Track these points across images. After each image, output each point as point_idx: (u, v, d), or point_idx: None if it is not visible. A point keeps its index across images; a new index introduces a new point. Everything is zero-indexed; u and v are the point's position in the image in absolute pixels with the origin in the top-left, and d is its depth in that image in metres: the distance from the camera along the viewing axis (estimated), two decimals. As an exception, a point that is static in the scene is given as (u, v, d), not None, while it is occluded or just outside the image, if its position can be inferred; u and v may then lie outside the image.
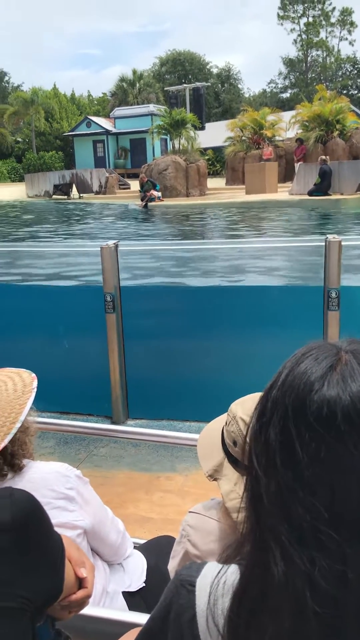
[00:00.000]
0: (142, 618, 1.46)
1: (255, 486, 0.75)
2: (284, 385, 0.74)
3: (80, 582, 1.17)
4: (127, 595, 1.80)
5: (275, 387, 0.75)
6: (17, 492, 1.00)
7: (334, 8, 59.96)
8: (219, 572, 0.81)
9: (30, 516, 0.98)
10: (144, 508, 3.41)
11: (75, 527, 1.63)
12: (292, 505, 0.70)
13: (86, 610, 1.39)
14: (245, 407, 1.43)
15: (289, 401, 0.72)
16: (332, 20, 60.40)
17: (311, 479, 0.69)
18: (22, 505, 0.97)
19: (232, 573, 0.80)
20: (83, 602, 1.18)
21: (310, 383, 0.71)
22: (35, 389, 1.59)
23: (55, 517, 1.55)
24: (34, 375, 1.66)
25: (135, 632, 1.37)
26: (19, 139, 51.25)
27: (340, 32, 61.26)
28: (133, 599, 1.79)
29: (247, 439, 0.79)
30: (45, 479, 1.61)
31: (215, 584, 0.80)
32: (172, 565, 1.59)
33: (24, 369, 1.71)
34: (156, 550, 2.00)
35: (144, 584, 1.85)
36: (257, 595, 0.74)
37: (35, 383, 1.62)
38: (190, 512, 1.56)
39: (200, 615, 0.79)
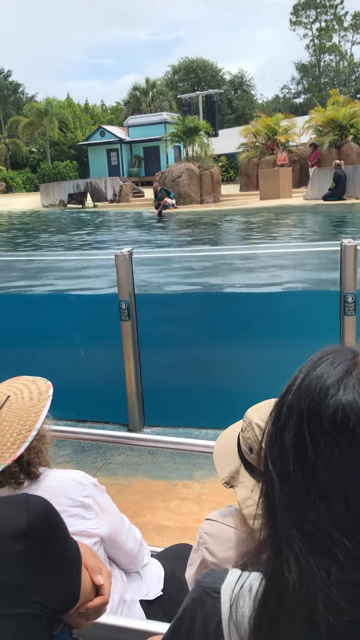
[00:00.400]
0: (159, 626, 1.45)
1: (270, 491, 0.75)
2: (299, 389, 0.73)
3: (97, 590, 1.17)
4: (145, 603, 1.79)
5: (291, 392, 0.75)
6: (33, 498, 0.99)
7: (346, 12, 60.00)
8: (239, 578, 0.80)
9: (46, 522, 0.97)
10: (161, 516, 3.39)
11: (92, 535, 1.63)
12: (306, 510, 0.70)
13: (104, 619, 1.38)
14: (260, 413, 1.43)
15: (304, 405, 0.71)
16: (345, 24, 60.41)
17: (325, 483, 0.69)
18: (38, 511, 0.96)
19: (255, 579, 0.79)
20: (100, 609, 1.17)
21: (326, 387, 0.71)
22: (51, 397, 1.60)
23: (72, 525, 1.54)
24: (49, 383, 1.67)
25: None
26: (34, 149, 51.79)
27: (353, 36, 61.36)
28: (150, 608, 1.78)
29: (263, 444, 0.78)
30: (62, 487, 1.61)
31: (238, 590, 0.79)
32: (190, 573, 1.58)
33: (40, 377, 1.72)
34: (173, 559, 1.99)
35: (161, 592, 1.84)
36: (275, 602, 0.73)
37: (50, 391, 1.62)
38: (207, 519, 1.55)
39: (225, 623, 0.78)
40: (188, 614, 0.83)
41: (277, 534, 0.73)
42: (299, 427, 0.71)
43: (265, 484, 0.76)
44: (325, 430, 0.69)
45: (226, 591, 0.80)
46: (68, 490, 1.61)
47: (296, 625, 0.70)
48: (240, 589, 0.79)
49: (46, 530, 0.97)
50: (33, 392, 1.62)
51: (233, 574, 0.83)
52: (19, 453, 1.47)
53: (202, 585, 0.83)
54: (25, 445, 1.48)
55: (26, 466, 1.57)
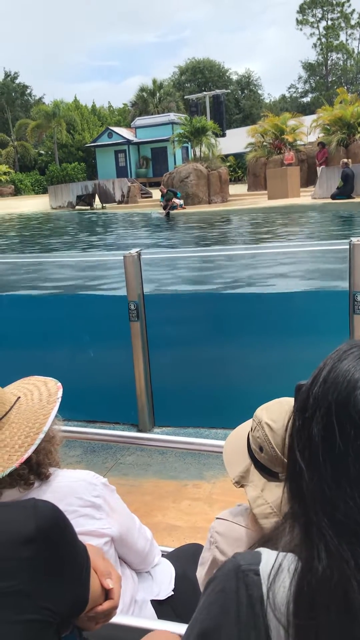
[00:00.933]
0: (170, 626, 1.45)
1: (298, 481, 0.76)
2: (326, 382, 0.75)
3: (107, 593, 1.16)
4: (156, 603, 1.79)
5: (317, 384, 0.76)
6: (41, 503, 0.99)
7: (353, 10, 59.69)
8: (275, 560, 0.80)
9: (54, 527, 0.97)
10: (171, 516, 3.40)
11: (102, 535, 1.63)
12: (336, 500, 0.71)
13: (115, 619, 1.39)
14: (270, 412, 1.43)
15: (332, 398, 0.73)
16: (352, 22, 60.12)
17: (357, 474, 0.70)
18: (46, 516, 0.96)
19: (290, 562, 0.78)
20: (110, 613, 1.16)
21: (355, 380, 0.72)
22: (60, 399, 1.59)
23: (82, 525, 1.55)
24: (59, 384, 1.66)
25: (156, 636, 1.36)
26: (42, 152, 51.99)
27: (360, 34, 61.03)
28: (162, 608, 1.78)
29: (287, 435, 0.79)
30: (72, 487, 1.61)
31: (275, 573, 0.79)
32: (201, 573, 1.58)
33: (51, 378, 1.72)
34: (184, 558, 1.99)
35: (172, 592, 1.84)
36: (309, 588, 0.73)
37: (60, 392, 1.62)
38: (217, 518, 1.55)
39: (267, 603, 0.78)
40: (230, 600, 0.80)
41: (307, 522, 0.74)
42: (327, 419, 0.72)
43: (293, 473, 0.77)
44: (354, 423, 0.70)
45: (265, 572, 0.80)
46: (78, 490, 1.61)
47: (331, 611, 0.71)
48: (277, 572, 0.78)
49: (54, 535, 0.96)
50: (43, 393, 1.62)
51: (268, 554, 0.83)
52: (26, 456, 1.46)
53: (240, 569, 0.81)
54: (33, 447, 1.47)
55: (36, 467, 1.56)
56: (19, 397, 1.61)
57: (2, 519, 0.94)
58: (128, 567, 1.80)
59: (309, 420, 0.75)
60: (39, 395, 1.61)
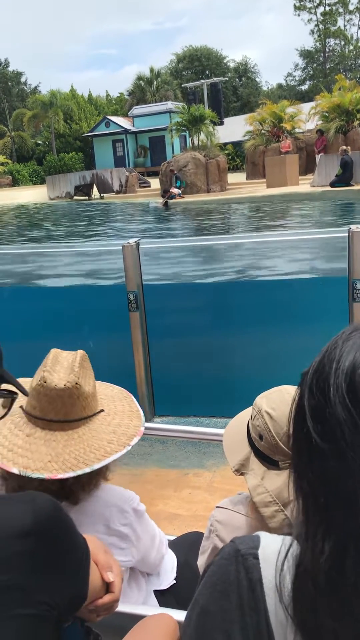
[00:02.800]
0: (172, 614, 1.46)
1: (320, 465, 0.72)
2: (337, 362, 0.71)
3: (108, 587, 1.15)
4: (158, 593, 1.80)
5: (326, 364, 0.73)
6: (39, 496, 0.98)
7: (351, -5, 59.14)
8: (282, 546, 0.79)
9: (52, 521, 0.95)
10: (172, 505, 3.41)
11: (122, 566, 1.57)
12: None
13: (119, 608, 1.40)
14: (270, 400, 1.42)
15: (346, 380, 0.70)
16: (351, 7, 59.57)
17: None
18: (44, 510, 0.95)
19: (294, 546, 0.78)
20: (110, 606, 1.15)
21: None
22: (130, 447, 1.48)
23: None
24: (141, 430, 1.54)
25: (149, 624, 1.36)
26: (39, 142, 51.72)
27: (359, 20, 60.53)
28: (164, 597, 1.79)
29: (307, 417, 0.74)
30: (101, 514, 1.51)
31: (277, 556, 0.78)
32: (202, 561, 1.59)
33: (139, 412, 1.60)
34: (186, 547, 1.99)
35: (174, 581, 1.85)
36: (311, 576, 0.73)
37: (135, 440, 1.50)
38: (217, 507, 1.55)
39: (268, 588, 0.78)
40: (230, 585, 0.80)
41: (328, 512, 0.71)
42: (342, 401, 0.69)
43: (311, 458, 0.73)
44: None
45: (264, 556, 0.80)
46: (108, 518, 1.52)
47: (330, 595, 0.71)
48: (286, 554, 0.78)
49: (52, 529, 0.95)
50: (121, 424, 1.51)
51: (268, 538, 0.83)
52: (59, 475, 1.35)
53: (239, 552, 0.82)
54: (69, 474, 1.36)
55: (68, 491, 1.46)
56: (102, 410, 1.53)
57: None
58: (139, 572, 1.78)
59: (324, 403, 0.71)
60: (117, 424, 1.51)
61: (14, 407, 1.34)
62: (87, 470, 1.37)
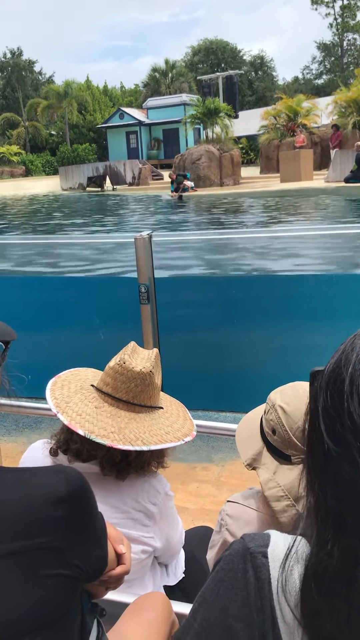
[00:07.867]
0: (180, 607, 1.46)
1: (345, 461, 0.70)
2: (355, 362, 0.70)
3: (118, 559, 1.23)
4: (167, 587, 1.79)
5: (345, 361, 0.71)
6: (69, 469, 1.05)
7: (371, -11, 58.45)
8: (292, 545, 0.78)
9: (82, 491, 1.03)
10: (180, 498, 3.41)
11: (144, 543, 1.60)
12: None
13: (127, 599, 1.43)
14: (284, 395, 1.42)
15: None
16: (370, 1, 58.87)
17: None
18: (75, 480, 1.02)
19: (302, 546, 0.77)
20: (121, 578, 1.24)
21: None
22: (179, 444, 1.60)
23: (128, 528, 1.55)
24: (194, 434, 1.68)
25: (145, 602, 1.40)
26: (53, 132, 51.76)
27: (379, 14, 59.70)
28: (172, 591, 1.78)
29: (320, 416, 0.73)
30: (135, 487, 1.59)
31: (286, 557, 0.78)
32: (211, 556, 1.58)
33: (192, 423, 1.74)
34: (194, 541, 1.98)
35: (183, 575, 1.85)
36: (320, 579, 0.72)
37: (188, 439, 1.63)
38: (228, 501, 1.55)
39: (276, 587, 0.77)
40: (238, 584, 0.80)
41: (343, 511, 0.70)
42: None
43: (324, 461, 0.72)
44: None
45: (273, 555, 0.79)
46: (139, 493, 1.59)
47: (337, 597, 0.70)
48: (295, 554, 0.77)
49: (83, 497, 1.03)
50: (177, 423, 1.65)
51: (277, 536, 0.82)
52: (119, 446, 1.47)
53: (248, 550, 0.81)
54: (127, 448, 1.48)
55: (125, 465, 1.57)
56: (162, 408, 1.67)
57: (35, 482, 0.99)
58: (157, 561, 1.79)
59: (341, 400, 0.70)
60: (173, 422, 1.65)
61: (86, 384, 1.65)
62: (144, 448, 1.49)
